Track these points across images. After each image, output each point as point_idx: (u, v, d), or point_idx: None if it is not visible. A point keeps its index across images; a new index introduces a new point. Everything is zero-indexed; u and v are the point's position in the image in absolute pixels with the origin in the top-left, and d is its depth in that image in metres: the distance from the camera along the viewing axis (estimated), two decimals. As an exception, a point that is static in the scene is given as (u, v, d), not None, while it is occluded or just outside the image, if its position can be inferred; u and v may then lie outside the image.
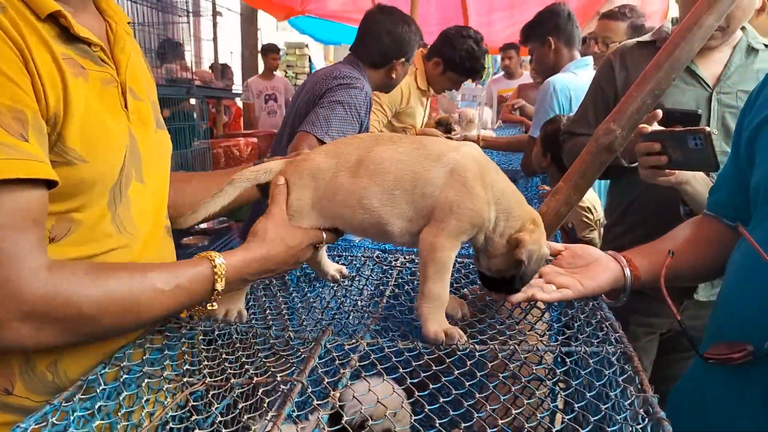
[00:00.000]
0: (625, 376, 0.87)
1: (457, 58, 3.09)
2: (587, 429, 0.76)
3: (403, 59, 2.54)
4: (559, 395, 0.88)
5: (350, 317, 1.22)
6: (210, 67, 6.00)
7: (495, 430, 0.76)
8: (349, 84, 2.34)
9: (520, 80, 6.04)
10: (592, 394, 0.84)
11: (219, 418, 0.78)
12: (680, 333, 1.98)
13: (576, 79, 2.82)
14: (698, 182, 1.51)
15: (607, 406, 0.80)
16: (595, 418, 0.78)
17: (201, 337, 1.04)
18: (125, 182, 1.01)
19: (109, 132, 0.97)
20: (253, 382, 0.85)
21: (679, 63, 1.27)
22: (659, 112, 1.47)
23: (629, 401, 0.80)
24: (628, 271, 1.17)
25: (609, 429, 0.76)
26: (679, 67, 1.28)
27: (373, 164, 1.01)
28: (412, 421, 0.78)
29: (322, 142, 2.11)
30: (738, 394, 1.03)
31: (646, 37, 1.97)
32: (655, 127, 1.48)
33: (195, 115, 4.41)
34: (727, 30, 1.71)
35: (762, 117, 1.09)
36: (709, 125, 1.73)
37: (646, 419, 0.76)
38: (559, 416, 0.85)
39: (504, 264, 1.03)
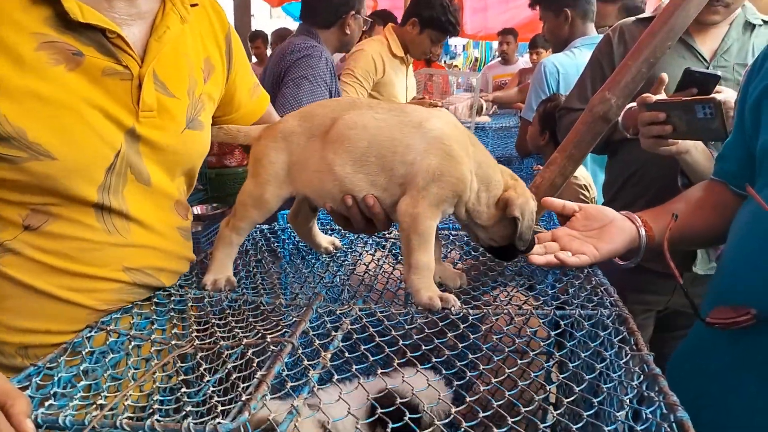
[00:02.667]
0: (621, 337, 0.86)
1: (435, 13, 3.11)
2: (582, 387, 0.75)
3: (353, 12, 2.59)
4: (553, 358, 0.87)
5: (344, 292, 1.21)
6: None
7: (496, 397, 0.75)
8: (308, 55, 2.37)
9: (516, 66, 6.03)
10: (587, 354, 0.83)
11: (210, 389, 0.76)
12: (675, 312, 1.98)
13: (569, 60, 2.79)
14: (698, 152, 1.48)
15: (602, 365, 0.79)
16: (590, 376, 0.77)
17: (191, 304, 1.03)
18: (120, 183, 0.96)
19: (89, 130, 0.90)
20: (242, 343, 0.83)
21: (675, 30, 1.25)
22: (665, 76, 1.43)
23: (624, 360, 0.79)
24: (643, 231, 1.14)
25: (605, 386, 0.75)
26: (674, 35, 1.26)
27: (348, 128, 0.97)
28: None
29: None
30: (740, 359, 1.02)
31: (645, 14, 1.95)
32: (660, 96, 1.45)
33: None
34: (730, 6, 1.70)
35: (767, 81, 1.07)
36: None
37: (642, 376, 0.75)
38: (554, 376, 0.84)
39: (503, 229, 1.01)
